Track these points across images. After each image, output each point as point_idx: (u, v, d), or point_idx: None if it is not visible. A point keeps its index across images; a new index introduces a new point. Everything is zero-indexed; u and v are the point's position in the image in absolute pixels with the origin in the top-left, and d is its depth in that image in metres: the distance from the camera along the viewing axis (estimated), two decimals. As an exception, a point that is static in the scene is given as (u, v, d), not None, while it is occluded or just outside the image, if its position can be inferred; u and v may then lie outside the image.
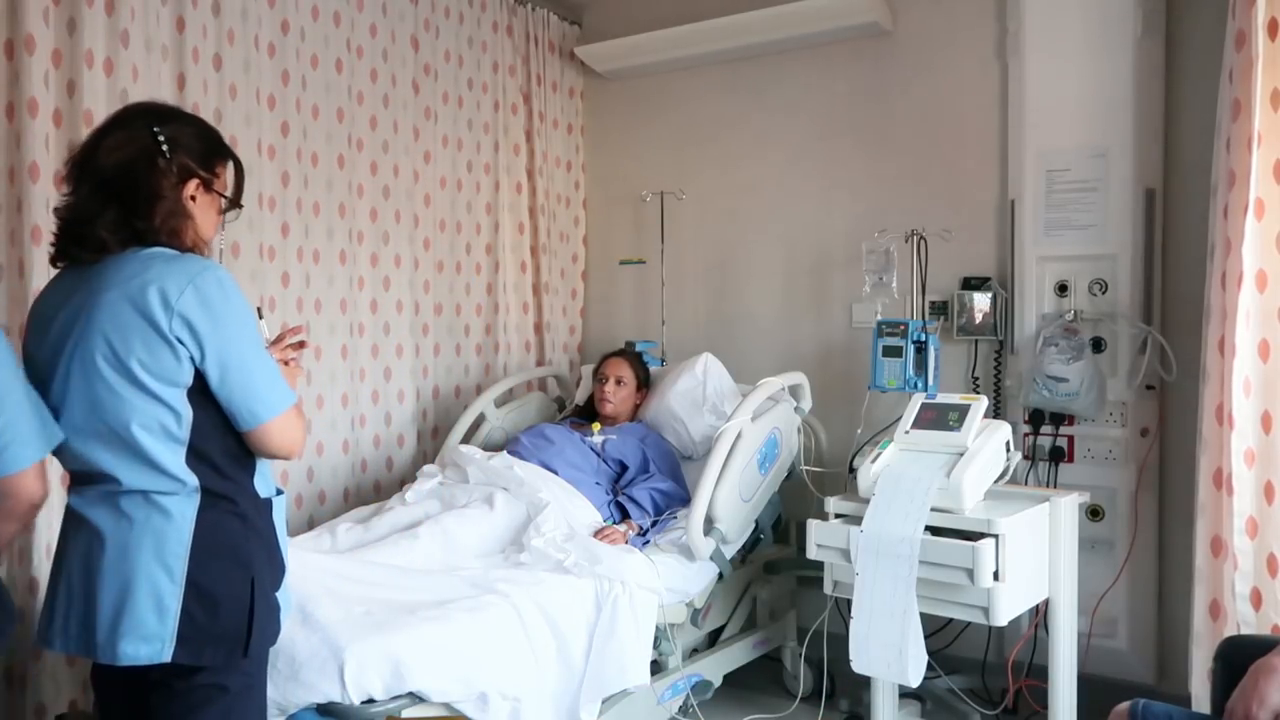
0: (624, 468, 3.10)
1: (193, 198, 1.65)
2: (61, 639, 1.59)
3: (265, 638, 1.64)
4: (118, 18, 2.58)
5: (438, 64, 3.55)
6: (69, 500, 1.63)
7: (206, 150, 1.68)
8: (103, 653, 1.54)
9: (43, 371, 1.60)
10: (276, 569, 1.68)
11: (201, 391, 1.57)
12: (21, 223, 2.45)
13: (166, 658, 1.52)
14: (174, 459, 1.55)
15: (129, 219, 1.58)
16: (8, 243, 2.46)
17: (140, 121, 1.63)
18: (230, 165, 1.73)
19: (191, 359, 1.54)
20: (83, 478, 1.60)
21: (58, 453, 1.60)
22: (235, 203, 1.74)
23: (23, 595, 2.45)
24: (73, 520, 1.61)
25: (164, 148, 1.60)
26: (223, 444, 1.61)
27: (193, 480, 1.57)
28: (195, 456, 1.57)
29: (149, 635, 1.52)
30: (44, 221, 2.46)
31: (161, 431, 1.54)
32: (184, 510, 1.56)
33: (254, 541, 1.63)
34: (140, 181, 1.59)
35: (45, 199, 2.46)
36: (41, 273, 2.45)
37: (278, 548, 1.70)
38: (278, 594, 1.68)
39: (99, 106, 2.54)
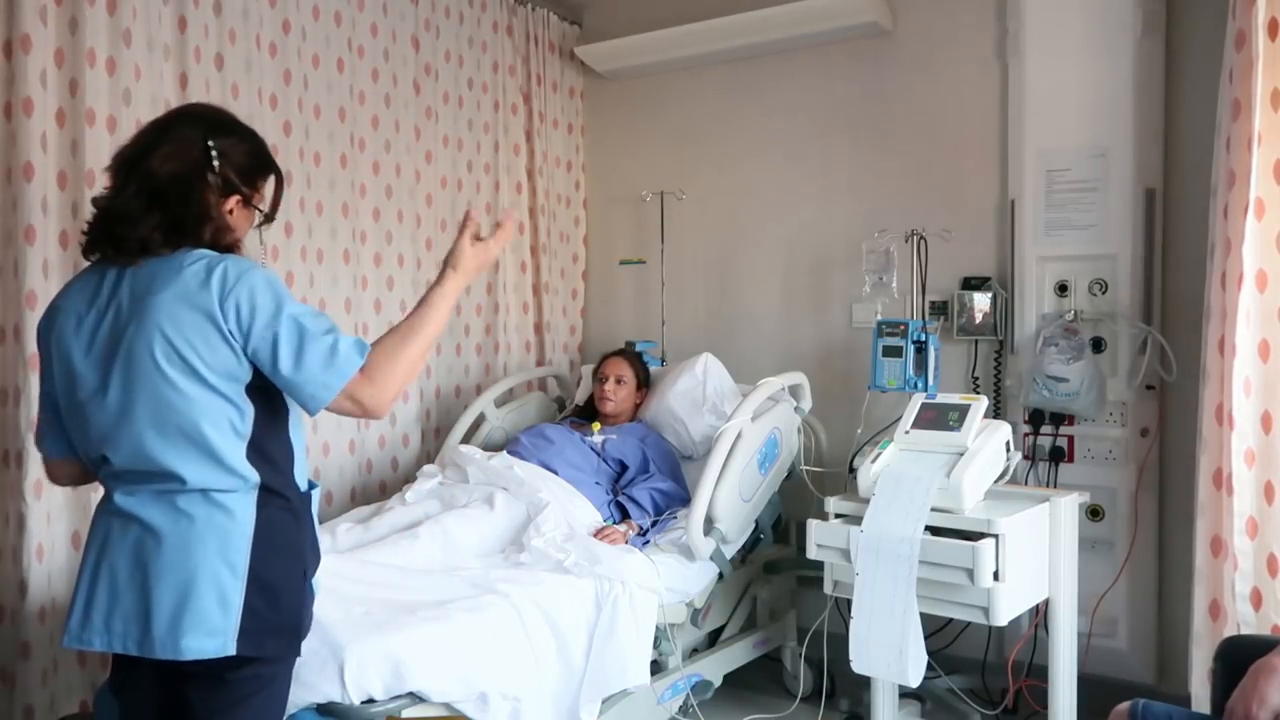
0: (624, 467, 3.10)
1: (231, 211, 1.66)
2: (103, 637, 1.58)
3: (309, 626, 1.69)
4: (119, 17, 2.58)
5: (438, 64, 3.55)
6: (115, 500, 1.61)
7: (252, 167, 1.70)
8: (162, 648, 1.54)
9: (89, 376, 1.59)
10: (316, 559, 1.74)
11: (259, 387, 1.60)
12: (16, 222, 2.44)
13: (231, 650, 1.55)
14: (239, 455, 1.58)
15: (175, 230, 1.59)
16: (2, 242, 2.46)
17: (197, 130, 1.63)
18: (271, 179, 1.75)
19: (248, 353, 1.56)
20: (136, 477, 1.59)
21: (106, 455, 1.60)
22: (270, 217, 1.76)
23: (14, 597, 2.45)
24: (118, 519, 1.60)
25: (215, 163, 1.62)
26: (276, 438, 1.64)
27: (254, 476, 1.59)
28: (255, 452, 1.59)
29: (213, 629, 1.54)
30: (38, 221, 2.46)
31: (230, 428, 1.57)
32: (244, 507, 1.58)
33: (302, 534, 1.67)
34: (191, 197, 1.60)
35: (40, 199, 2.46)
36: (36, 272, 2.45)
37: (316, 538, 1.75)
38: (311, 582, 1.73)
39: (101, 106, 2.54)
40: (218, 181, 1.63)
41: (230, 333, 1.54)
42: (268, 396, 1.62)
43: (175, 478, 1.56)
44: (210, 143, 1.62)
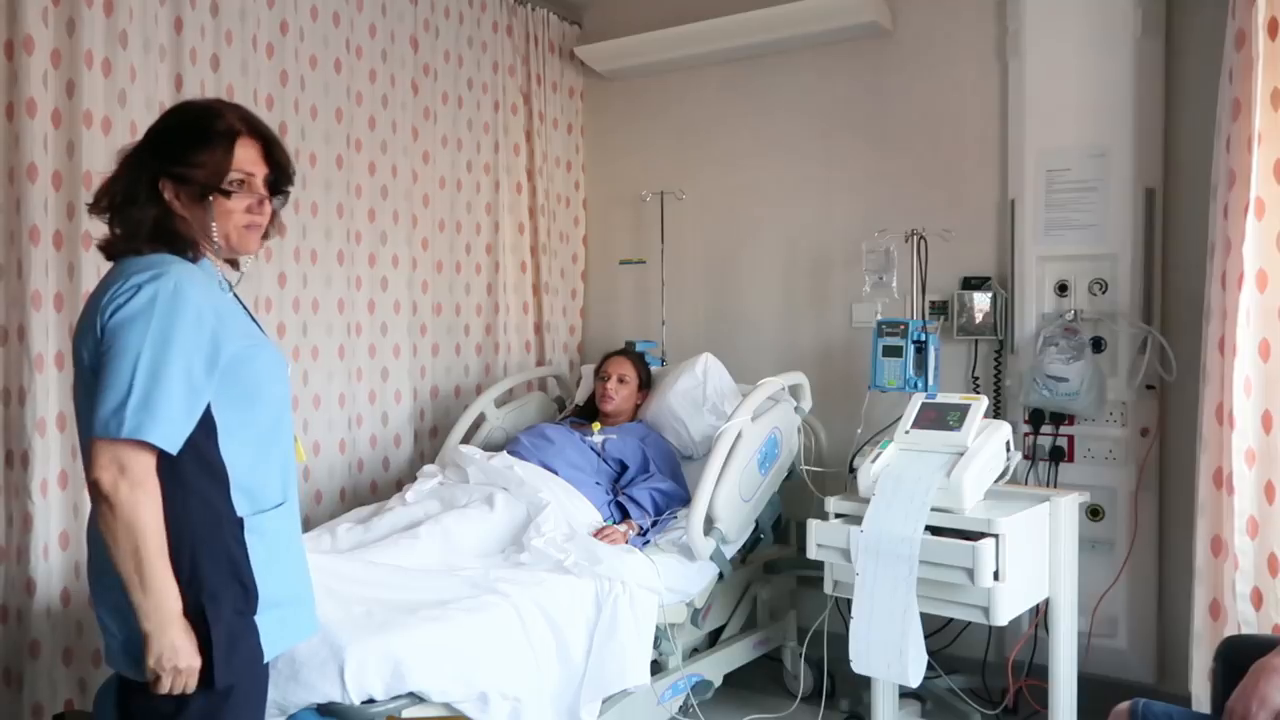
0: (624, 467, 3.10)
1: (177, 197, 1.57)
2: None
3: (233, 661, 1.50)
4: (116, 18, 2.58)
5: (437, 64, 3.55)
6: None
7: (176, 139, 1.58)
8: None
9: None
10: (248, 590, 1.54)
11: None
12: (20, 223, 2.45)
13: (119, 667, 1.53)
14: None
15: (121, 236, 1.58)
16: (6, 243, 2.46)
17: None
18: (221, 148, 1.57)
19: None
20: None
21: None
22: (216, 188, 1.56)
23: (20, 595, 2.46)
24: None
25: (133, 151, 1.59)
26: (190, 452, 1.49)
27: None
28: (163, 464, 1.47)
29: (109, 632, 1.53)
30: (42, 222, 2.46)
31: None
32: None
33: (207, 560, 1.51)
34: (114, 190, 1.58)
35: (43, 199, 2.47)
36: (39, 273, 2.46)
37: (248, 569, 1.54)
38: (258, 617, 1.54)
39: (97, 107, 2.54)
40: (134, 165, 1.57)
41: (100, 330, 1.48)
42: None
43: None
44: (138, 146, 1.60)
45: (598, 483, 3.01)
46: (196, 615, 1.48)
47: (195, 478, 1.51)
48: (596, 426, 3.20)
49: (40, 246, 2.46)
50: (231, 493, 1.55)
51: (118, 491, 1.42)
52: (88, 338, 1.50)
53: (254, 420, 1.57)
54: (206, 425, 1.52)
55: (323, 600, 2.08)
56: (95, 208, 1.60)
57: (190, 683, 1.47)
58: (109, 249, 1.60)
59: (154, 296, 1.46)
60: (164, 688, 1.46)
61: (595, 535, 2.77)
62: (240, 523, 1.55)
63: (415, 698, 2.06)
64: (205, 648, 1.48)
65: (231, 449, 1.54)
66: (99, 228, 1.64)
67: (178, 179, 1.57)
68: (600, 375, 3.36)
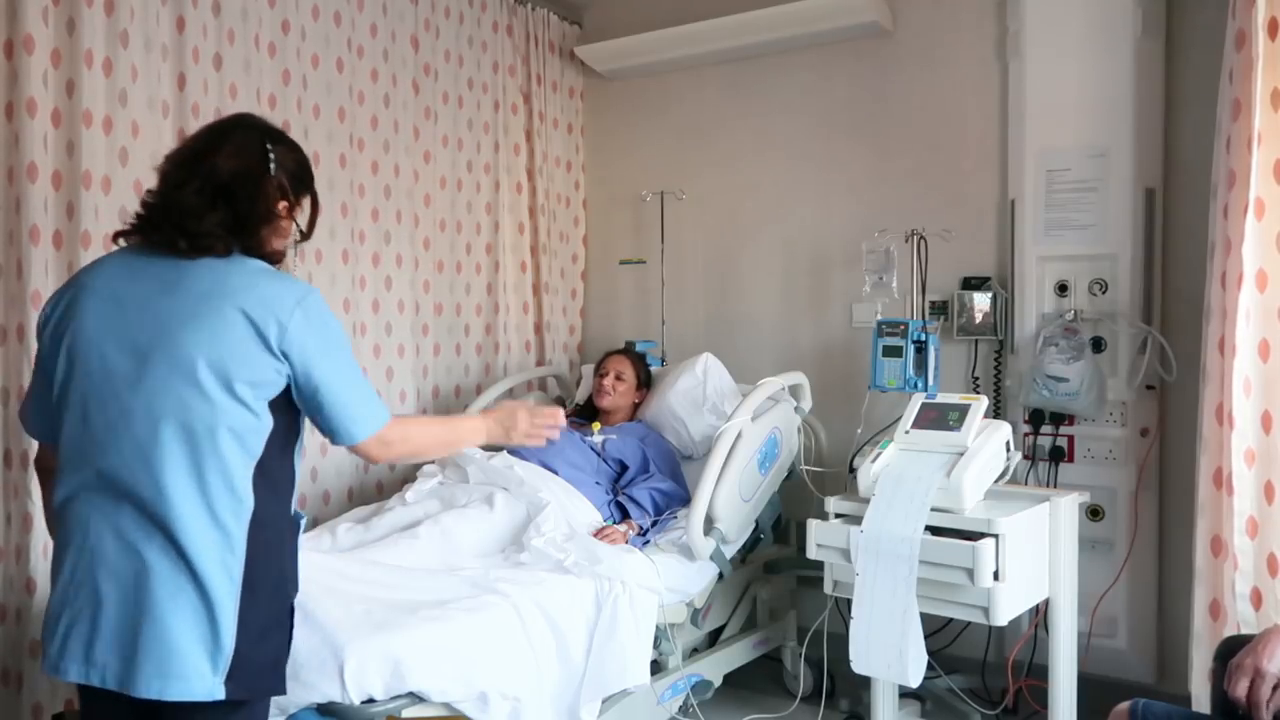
0: (624, 467, 3.10)
1: (281, 217, 1.67)
2: (80, 667, 1.52)
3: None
4: (117, 17, 2.58)
5: (438, 64, 3.55)
6: (95, 505, 1.55)
7: (300, 177, 1.70)
8: (147, 687, 1.51)
9: (120, 364, 1.53)
10: (296, 590, 1.69)
11: (284, 404, 1.58)
12: (19, 223, 2.45)
13: (220, 695, 1.55)
14: (245, 475, 1.53)
15: (237, 228, 1.59)
16: (6, 243, 2.46)
17: (256, 134, 1.65)
18: (308, 197, 1.74)
19: (290, 376, 1.56)
20: (118, 482, 1.54)
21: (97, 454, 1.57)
22: (306, 235, 1.75)
23: (20, 595, 2.46)
24: (109, 534, 1.55)
25: (271, 165, 1.62)
26: (280, 461, 1.60)
27: (252, 501, 1.54)
28: (259, 473, 1.54)
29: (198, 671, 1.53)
30: (42, 222, 2.46)
31: (241, 445, 1.53)
32: (241, 533, 1.53)
33: (290, 561, 1.65)
34: (257, 194, 1.60)
35: (43, 199, 2.47)
36: (39, 273, 2.45)
37: (293, 567, 1.69)
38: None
39: (98, 107, 2.54)
40: (274, 185, 1.63)
41: (281, 352, 1.53)
42: (287, 415, 1.59)
43: (166, 490, 1.49)
44: (268, 145, 1.63)
45: (598, 483, 3.01)
46: (286, 615, 1.60)
47: (282, 481, 1.61)
48: (596, 426, 3.20)
49: (40, 246, 2.46)
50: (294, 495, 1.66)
51: (395, 452, 1.72)
52: (242, 344, 1.51)
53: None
54: (296, 427, 1.63)
55: (323, 599, 2.09)
56: (242, 207, 1.60)
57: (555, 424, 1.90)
58: (204, 245, 1.57)
59: (320, 307, 1.61)
60: (539, 440, 1.89)
61: (595, 535, 2.77)
62: (298, 524, 1.69)
63: (415, 697, 2.06)
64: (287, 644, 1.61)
65: (297, 457, 1.65)
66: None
67: (291, 208, 1.69)
68: (599, 372, 3.37)
